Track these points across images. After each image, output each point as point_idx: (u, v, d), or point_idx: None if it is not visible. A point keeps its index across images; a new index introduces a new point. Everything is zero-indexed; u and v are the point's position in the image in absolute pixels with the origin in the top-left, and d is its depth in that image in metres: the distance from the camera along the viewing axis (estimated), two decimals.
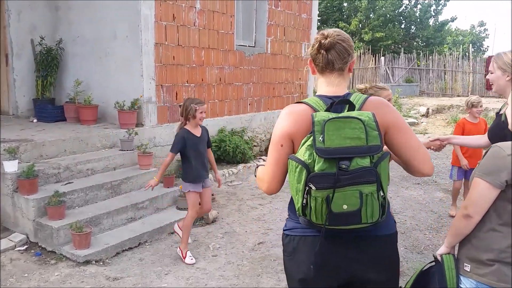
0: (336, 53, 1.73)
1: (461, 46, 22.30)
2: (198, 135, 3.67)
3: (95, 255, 3.66)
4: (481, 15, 78.09)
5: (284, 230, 1.85)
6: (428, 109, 14.72)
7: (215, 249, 3.99)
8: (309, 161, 1.57)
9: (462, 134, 4.68)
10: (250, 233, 4.39)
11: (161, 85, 5.75)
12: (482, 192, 1.85)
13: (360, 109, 1.69)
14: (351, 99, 1.71)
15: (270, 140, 1.87)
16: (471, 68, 18.36)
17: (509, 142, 1.85)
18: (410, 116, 13.90)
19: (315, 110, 1.69)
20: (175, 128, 4.13)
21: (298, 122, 1.69)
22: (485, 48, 32.15)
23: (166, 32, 5.74)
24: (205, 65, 6.50)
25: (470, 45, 22.62)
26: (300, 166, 1.57)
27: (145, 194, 4.50)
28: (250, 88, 7.64)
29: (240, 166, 6.64)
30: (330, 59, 1.73)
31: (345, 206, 1.57)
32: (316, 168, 1.55)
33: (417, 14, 24.10)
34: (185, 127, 3.66)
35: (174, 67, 5.93)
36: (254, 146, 7.60)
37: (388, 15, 22.72)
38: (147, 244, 4.07)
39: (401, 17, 24.09)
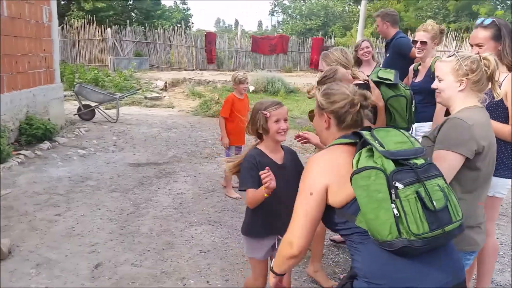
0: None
1: (171, 21, 23.49)
2: None
3: None
4: None
5: None
6: (165, 83, 14.96)
7: None
8: (379, 165, 1.43)
9: (231, 110, 4.75)
10: (73, 256, 3.31)
11: None
12: (453, 163, 1.88)
13: None
14: None
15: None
16: (193, 43, 19.70)
17: (467, 113, 1.93)
18: (152, 91, 13.77)
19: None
20: None
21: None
22: (191, 24, 35.28)
23: None
24: None
25: (183, 21, 24.13)
26: (375, 171, 1.41)
27: None
28: None
29: None
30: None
31: (434, 202, 1.39)
32: (387, 170, 1.41)
33: None
34: None
35: None
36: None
37: None
38: None
39: None
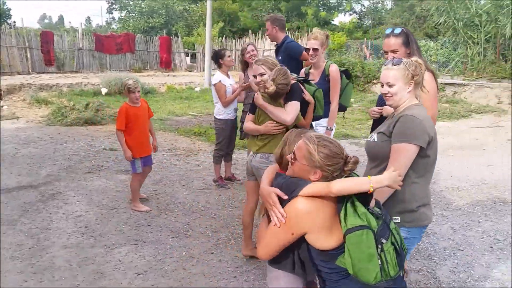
0: None
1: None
2: None
3: None
4: None
5: None
6: (0, 90, 12.95)
7: None
8: (365, 223, 1.72)
9: (127, 120, 4.39)
10: None
11: None
12: (412, 153, 2.23)
13: None
14: None
15: None
16: (26, 44, 17.39)
17: (415, 110, 2.29)
18: None
19: None
20: None
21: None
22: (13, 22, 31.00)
23: None
24: None
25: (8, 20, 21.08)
26: (366, 230, 1.70)
27: None
28: None
29: None
30: None
31: (403, 247, 1.87)
32: (372, 225, 1.72)
33: None
34: None
35: None
36: None
37: None
38: None
39: None
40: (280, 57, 4.76)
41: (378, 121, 3.26)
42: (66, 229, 4.04)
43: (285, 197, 1.87)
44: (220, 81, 5.08)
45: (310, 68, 4.06)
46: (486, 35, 15.18)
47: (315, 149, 1.86)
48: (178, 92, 15.62)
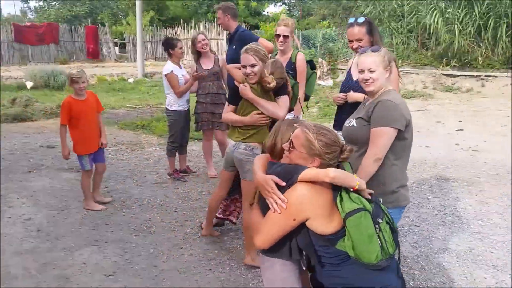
0: None
1: None
2: None
3: None
4: None
5: None
6: None
7: None
8: (362, 205, 1.81)
9: (70, 116, 4.10)
10: None
11: None
12: (391, 136, 2.35)
13: None
14: None
15: None
16: None
17: (392, 95, 2.40)
18: None
19: None
20: None
21: None
22: None
23: None
24: None
25: None
26: (364, 212, 1.78)
27: None
28: None
29: None
30: None
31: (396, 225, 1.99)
32: (367, 208, 1.81)
33: None
34: None
35: None
36: None
37: None
38: None
39: None
40: (234, 46, 4.72)
41: (343, 107, 3.37)
42: (16, 235, 3.71)
43: (283, 183, 1.87)
44: (172, 71, 4.93)
45: (275, 55, 4.07)
46: (408, 25, 16.20)
47: (314, 137, 1.88)
48: (110, 83, 14.87)
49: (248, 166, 3.04)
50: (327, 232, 1.83)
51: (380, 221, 1.82)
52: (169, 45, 5.00)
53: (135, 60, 21.46)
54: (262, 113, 3.04)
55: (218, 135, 5.17)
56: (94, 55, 21.33)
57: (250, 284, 3.02)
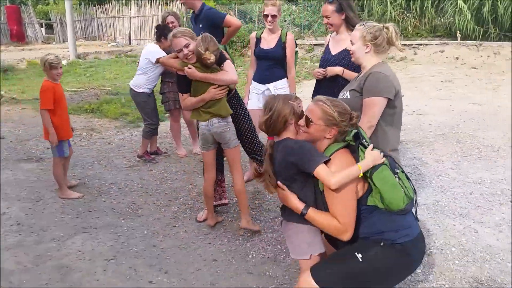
0: None
1: None
2: None
3: None
4: None
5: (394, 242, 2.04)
6: None
7: None
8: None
9: (54, 99, 4.01)
10: None
11: None
12: (382, 105, 2.59)
13: None
14: None
15: None
16: None
17: (382, 67, 2.62)
18: None
19: None
20: None
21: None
22: None
23: None
24: None
25: None
26: (383, 166, 2.02)
27: None
28: None
29: None
30: None
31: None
32: (385, 162, 2.05)
33: None
34: None
35: None
36: None
37: None
38: None
39: None
40: (200, 25, 4.69)
41: (321, 81, 3.58)
42: None
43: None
44: (164, 55, 4.76)
45: (261, 33, 4.17)
46: None
47: (331, 108, 2.05)
48: None
49: (228, 135, 3.24)
50: (361, 194, 2.05)
51: (397, 171, 2.06)
52: (164, 34, 4.75)
53: (64, 41, 20.21)
54: (217, 86, 3.16)
55: (186, 114, 5.17)
56: (19, 37, 19.72)
57: (251, 252, 3.18)
